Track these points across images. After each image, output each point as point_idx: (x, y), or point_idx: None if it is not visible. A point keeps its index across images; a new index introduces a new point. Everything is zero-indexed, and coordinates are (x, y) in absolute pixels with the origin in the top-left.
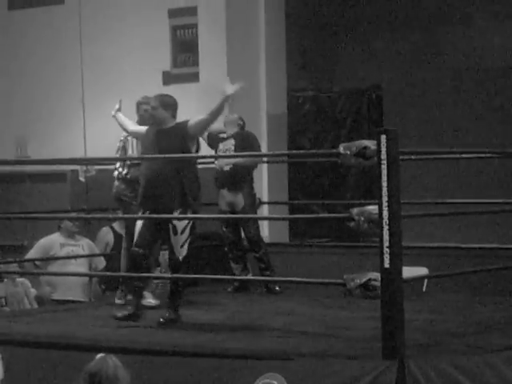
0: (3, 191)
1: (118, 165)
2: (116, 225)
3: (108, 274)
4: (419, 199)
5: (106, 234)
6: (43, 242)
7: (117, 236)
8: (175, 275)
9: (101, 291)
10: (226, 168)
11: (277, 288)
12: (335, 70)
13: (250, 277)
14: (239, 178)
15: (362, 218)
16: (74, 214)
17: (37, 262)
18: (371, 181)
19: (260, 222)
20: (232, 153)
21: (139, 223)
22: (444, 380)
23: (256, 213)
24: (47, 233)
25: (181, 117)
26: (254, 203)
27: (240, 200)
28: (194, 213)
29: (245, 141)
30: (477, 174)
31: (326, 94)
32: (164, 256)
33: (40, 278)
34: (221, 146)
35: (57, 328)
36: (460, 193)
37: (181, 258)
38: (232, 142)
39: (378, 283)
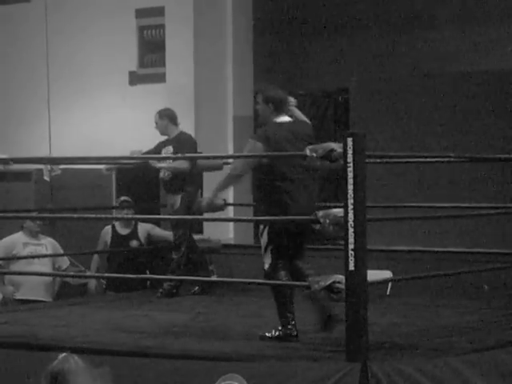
0: None
1: None
2: (118, 224)
3: (71, 274)
4: (385, 203)
5: (107, 234)
6: (5, 241)
7: (116, 236)
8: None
9: (102, 290)
10: (166, 177)
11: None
12: (302, 73)
13: (213, 278)
14: (177, 182)
15: (328, 221)
16: (35, 214)
17: None
18: (337, 183)
19: (225, 224)
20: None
21: None
22: (406, 383)
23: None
24: (11, 232)
25: (145, 117)
26: (188, 206)
27: (177, 201)
28: None
29: (179, 145)
30: (443, 179)
31: (292, 96)
32: None
33: (3, 278)
34: (163, 150)
35: (19, 328)
36: (425, 197)
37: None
38: (170, 148)
39: (342, 286)
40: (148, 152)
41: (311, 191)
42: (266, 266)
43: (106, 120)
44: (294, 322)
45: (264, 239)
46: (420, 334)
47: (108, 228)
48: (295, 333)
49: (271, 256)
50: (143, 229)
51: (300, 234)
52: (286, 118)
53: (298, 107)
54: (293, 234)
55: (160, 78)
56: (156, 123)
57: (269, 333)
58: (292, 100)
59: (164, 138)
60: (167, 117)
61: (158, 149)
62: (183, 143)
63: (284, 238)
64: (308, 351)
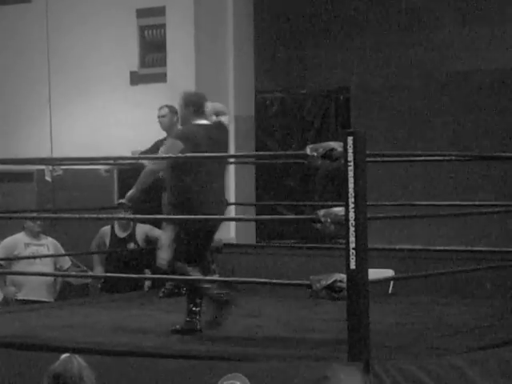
0: None
1: None
2: (116, 227)
3: (73, 274)
4: (386, 201)
5: (106, 234)
6: (7, 241)
7: (115, 238)
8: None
9: (98, 291)
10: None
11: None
12: (303, 72)
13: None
14: None
15: (329, 220)
16: (35, 214)
17: (1, 262)
18: (338, 182)
19: (227, 223)
20: None
21: None
22: (409, 382)
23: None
24: (13, 233)
25: (147, 117)
26: None
27: None
28: None
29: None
30: (444, 177)
31: (293, 95)
32: None
33: (5, 278)
34: (161, 148)
35: (21, 328)
36: (426, 195)
37: None
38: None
39: (343, 285)
40: (145, 151)
41: (220, 193)
42: (165, 261)
43: (107, 120)
44: (199, 317)
45: (172, 234)
46: (423, 333)
47: (107, 228)
48: (199, 327)
49: (178, 252)
50: (141, 231)
51: (210, 232)
52: (204, 121)
53: (299, 106)
54: (204, 233)
55: (161, 78)
56: (163, 116)
57: (179, 326)
58: (219, 106)
59: (162, 136)
60: (176, 114)
61: (154, 147)
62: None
63: (196, 236)
64: (310, 351)
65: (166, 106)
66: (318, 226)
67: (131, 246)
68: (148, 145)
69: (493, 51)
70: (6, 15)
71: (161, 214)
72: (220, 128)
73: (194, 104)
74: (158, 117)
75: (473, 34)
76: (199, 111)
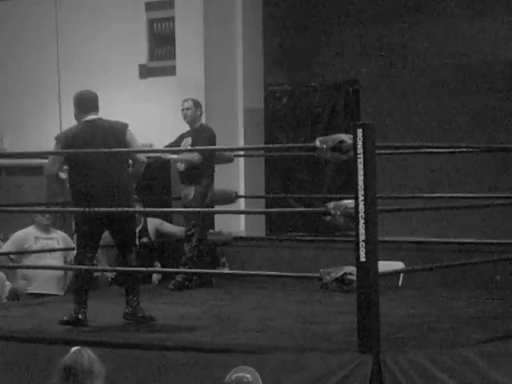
0: None
1: None
2: None
3: (83, 267)
4: (396, 193)
5: None
6: (18, 235)
7: None
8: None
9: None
10: (181, 168)
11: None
12: (312, 65)
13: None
14: (193, 173)
15: (338, 212)
16: (44, 208)
17: (12, 256)
18: (348, 175)
19: (237, 216)
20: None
21: None
22: (419, 373)
23: (202, 207)
24: (23, 226)
25: (156, 110)
26: (203, 198)
27: (191, 193)
28: None
29: (197, 137)
30: (454, 169)
31: (303, 88)
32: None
33: (15, 272)
34: (183, 142)
35: (32, 321)
36: (437, 187)
37: None
38: (190, 139)
39: (353, 277)
40: (170, 144)
41: (109, 186)
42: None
43: (116, 113)
44: (83, 310)
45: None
46: (432, 325)
47: None
48: (85, 317)
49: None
50: (152, 225)
51: (103, 224)
52: (91, 117)
53: (309, 98)
54: (96, 223)
55: (170, 71)
56: (187, 109)
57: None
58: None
59: (186, 129)
60: (199, 108)
61: (178, 140)
62: (201, 135)
63: (87, 227)
64: (320, 343)
65: (191, 99)
66: (328, 218)
67: (144, 240)
68: (159, 137)
69: (503, 42)
70: (16, 10)
71: (169, 206)
72: (105, 124)
73: (79, 102)
74: (183, 109)
75: (484, 24)
76: (84, 109)
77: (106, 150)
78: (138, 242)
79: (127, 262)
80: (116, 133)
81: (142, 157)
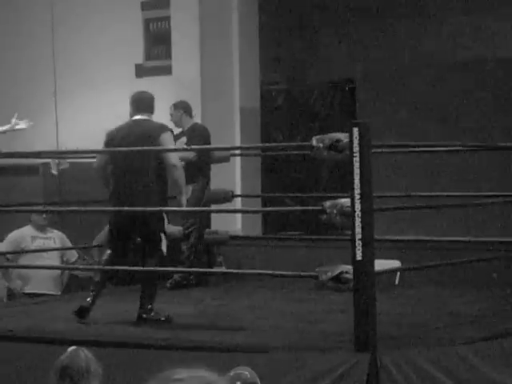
0: None
1: None
2: None
3: (79, 267)
4: (391, 192)
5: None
6: (14, 235)
7: None
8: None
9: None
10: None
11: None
12: (308, 63)
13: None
14: (189, 173)
15: (335, 211)
16: (41, 207)
17: (8, 256)
18: (344, 174)
19: (233, 215)
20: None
21: None
22: (416, 372)
23: (199, 206)
24: (19, 226)
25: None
26: (200, 197)
27: (188, 192)
28: None
29: (190, 135)
30: (449, 168)
31: (299, 87)
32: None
33: (11, 272)
34: (178, 142)
35: (28, 321)
36: (432, 186)
37: None
38: (184, 138)
39: (350, 276)
40: None
41: (131, 188)
42: None
43: (112, 113)
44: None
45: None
46: (429, 324)
47: None
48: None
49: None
50: None
51: (127, 230)
52: (137, 117)
53: (305, 97)
54: (119, 229)
55: (166, 71)
56: (171, 115)
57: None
58: None
59: (179, 130)
60: (182, 108)
61: (174, 140)
62: (194, 133)
63: (112, 228)
64: (317, 342)
65: (173, 103)
66: (324, 217)
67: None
68: None
69: (502, 40)
70: (11, 8)
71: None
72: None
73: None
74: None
75: (482, 21)
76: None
77: (125, 148)
78: (164, 248)
79: (146, 266)
80: (151, 135)
81: (172, 160)
